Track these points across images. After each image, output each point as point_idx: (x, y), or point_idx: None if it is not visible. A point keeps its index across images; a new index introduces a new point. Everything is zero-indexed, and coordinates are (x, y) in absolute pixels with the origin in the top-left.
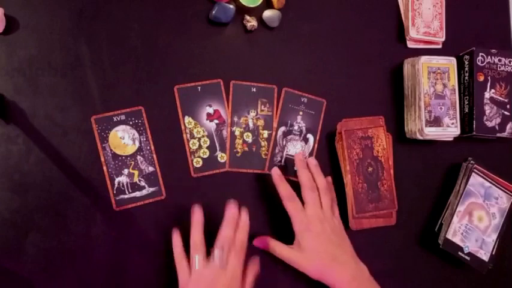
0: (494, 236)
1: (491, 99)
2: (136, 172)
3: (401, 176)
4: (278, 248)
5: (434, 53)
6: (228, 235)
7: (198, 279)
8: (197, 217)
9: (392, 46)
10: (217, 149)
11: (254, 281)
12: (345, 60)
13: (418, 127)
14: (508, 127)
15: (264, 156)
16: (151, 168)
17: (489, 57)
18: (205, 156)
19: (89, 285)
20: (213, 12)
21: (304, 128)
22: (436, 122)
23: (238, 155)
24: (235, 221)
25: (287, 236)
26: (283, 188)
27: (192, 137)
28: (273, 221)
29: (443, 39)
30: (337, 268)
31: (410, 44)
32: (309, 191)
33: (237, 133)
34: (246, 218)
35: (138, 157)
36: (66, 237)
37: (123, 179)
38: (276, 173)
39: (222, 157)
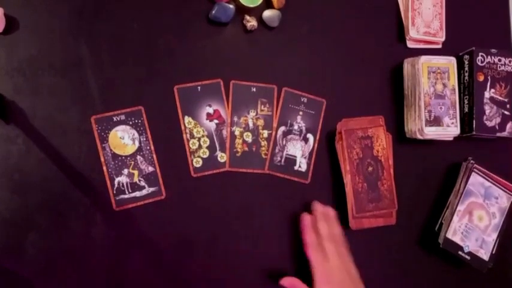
0: (494, 236)
1: (491, 98)
2: (136, 172)
3: (401, 176)
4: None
5: (434, 53)
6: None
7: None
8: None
9: (392, 46)
10: (217, 148)
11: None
12: (345, 60)
13: (418, 127)
14: (508, 127)
15: (264, 156)
16: (151, 168)
17: (489, 57)
18: (205, 156)
19: (89, 285)
20: (213, 12)
21: (304, 128)
22: (436, 121)
23: (238, 154)
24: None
25: (286, 234)
26: (309, 236)
27: (192, 137)
28: (273, 220)
29: (443, 39)
30: None
31: (410, 44)
32: (328, 243)
33: (237, 133)
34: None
35: (138, 157)
36: (66, 237)
37: (123, 179)
38: (305, 220)
39: (222, 157)
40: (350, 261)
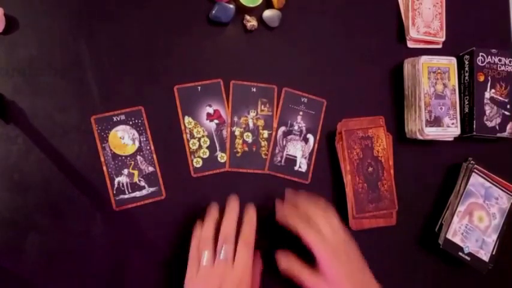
0: (495, 236)
1: (492, 99)
2: (136, 172)
3: (402, 176)
4: (303, 274)
5: (434, 53)
6: (230, 228)
7: (205, 276)
8: (212, 213)
9: (393, 46)
10: (217, 149)
11: (260, 274)
12: (345, 60)
13: (418, 127)
14: (508, 127)
15: (264, 156)
16: (151, 168)
17: (489, 57)
18: (205, 156)
19: (89, 285)
20: (213, 12)
21: (304, 128)
22: (436, 122)
23: (238, 155)
24: (236, 214)
25: (286, 234)
26: (293, 219)
27: (192, 137)
28: (273, 221)
29: (443, 39)
30: None
31: (410, 44)
32: (322, 218)
33: (237, 133)
34: (253, 212)
35: (138, 157)
36: (66, 237)
37: (123, 179)
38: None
39: (222, 157)
40: (347, 234)
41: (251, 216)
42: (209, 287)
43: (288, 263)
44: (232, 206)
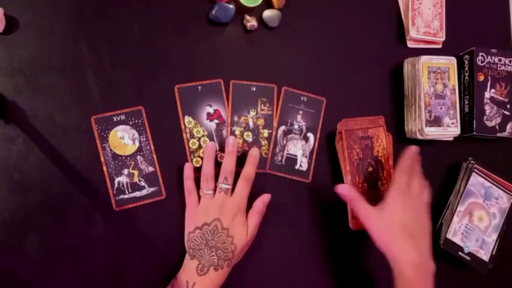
0: (495, 236)
1: (492, 99)
2: (136, 172)
3: None
4: (359, 202)
5: (434, 53)
6: (230, 166)
7: (207, 202)
8: (209, 151)
9: (392, 46)
10: (217, 148)
11: (263, 211)
12: (345, 60)
13: (418, 127)
14: (508, 127)
15: (264, 156)
16: (151, 168)
17: (489, 57)
18: None
19: (89, 285)
20: (213, 12)
21: (304, 127)
22: (436, 121)
23: (239, 154)
24: (235, 154)
25: (286, 233)
26: (404, 162)
27: (192, 136)
28: (274, 220)
29: (443, 39)
30: (410, 247)
31: (410, 44)
32: (419, 182)
33: (237, 132)
34: (256, 153)
35: (138, 157)
36: (66, 237)
37: (123, 179)
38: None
39: (222, 157)
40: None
41: (254, 157)
42: (211, 210)
43: (354, 197)
44: (232, 146)
